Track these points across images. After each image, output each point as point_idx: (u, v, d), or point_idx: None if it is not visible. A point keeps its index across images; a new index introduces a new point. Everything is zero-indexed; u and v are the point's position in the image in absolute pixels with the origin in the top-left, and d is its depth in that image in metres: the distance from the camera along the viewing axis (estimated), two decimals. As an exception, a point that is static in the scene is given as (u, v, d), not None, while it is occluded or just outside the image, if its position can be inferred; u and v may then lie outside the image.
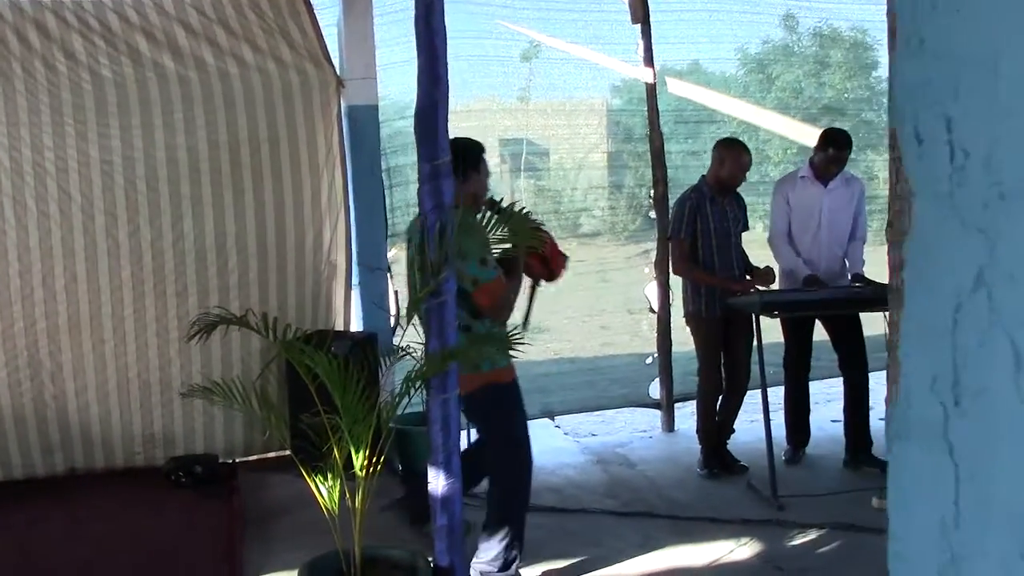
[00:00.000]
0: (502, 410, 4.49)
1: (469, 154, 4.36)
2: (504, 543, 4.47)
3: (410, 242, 4.40)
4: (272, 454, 6.19)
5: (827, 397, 6.90)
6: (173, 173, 5.85)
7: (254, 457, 6.29)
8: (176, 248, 5.93)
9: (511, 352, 4.25)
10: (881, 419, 6.77)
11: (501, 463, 4.60)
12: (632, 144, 7.79)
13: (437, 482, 3.93)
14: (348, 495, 3.80)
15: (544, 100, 7.56)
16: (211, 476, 5.89)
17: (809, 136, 7.80)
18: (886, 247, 1.42)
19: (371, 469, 3.84)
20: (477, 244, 4.13)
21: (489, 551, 4.50)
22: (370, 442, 3.83)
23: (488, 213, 4.38)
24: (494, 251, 4.22)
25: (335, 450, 3.80)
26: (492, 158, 6.29)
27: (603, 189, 8.00)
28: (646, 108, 6.88)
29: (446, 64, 3.72)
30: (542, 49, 7.09)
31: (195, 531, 5.25)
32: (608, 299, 8.09)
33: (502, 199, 4.48)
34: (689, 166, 7.64)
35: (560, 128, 7.75)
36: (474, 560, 4.51)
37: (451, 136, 3.80)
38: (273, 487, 5.82)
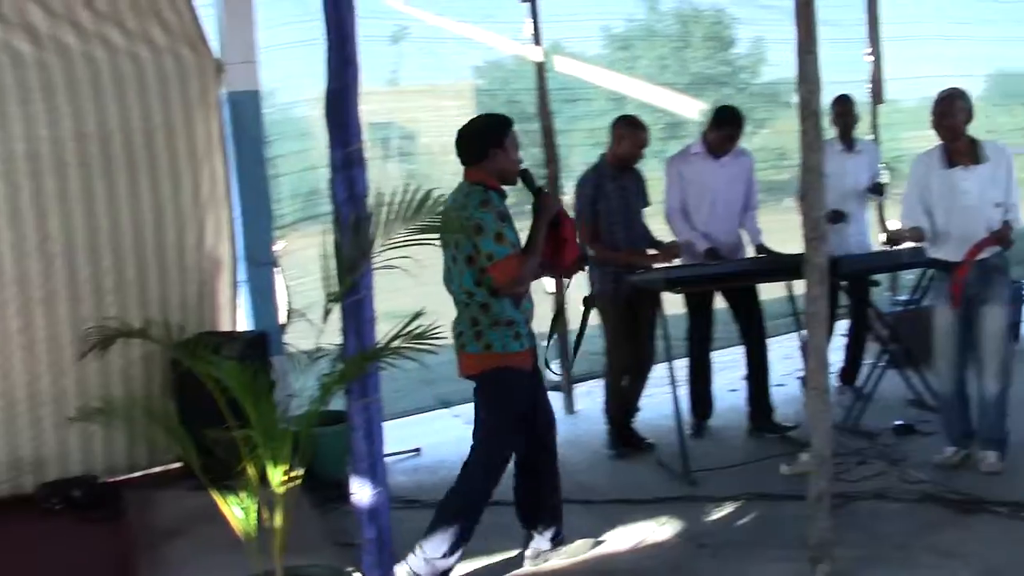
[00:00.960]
0: (503, 399, 4.30)
1: (489, 132, 4.25)
2: (445, 546, 4.26)
3: None
4: (157, 469, 5.74)
5: (719, 367, 6.94)
6: (35, 168, 5.35)
7: (138, 474, 5.80)
8: (42, 251, 5.42)
9: (524, 338, 4.24)
10: (779, 385, 6.94)
11: (475, 460, 4.40)
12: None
13: (361, 493, 3.70)
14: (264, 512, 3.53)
15: (413, 83, 7.38)
16: (92, 500, 5.30)
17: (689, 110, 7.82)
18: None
19: (291, 483, 3.57)
20: (493, 219, 4.07)
21: (428, 550, 4.27)
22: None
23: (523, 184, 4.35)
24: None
25: (250, 465, 3.51)
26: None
27: (473, 171, 7.86)
28: (514, 87, 6.78)
29: (356, 45, 3.47)
30: (411, 31, 6.88)
31: (80, 564, 4.70)
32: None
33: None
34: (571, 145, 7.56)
35: (428, 111, 7.58)
36: (409, 556, 4.27)
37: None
38: (163, 505, 5.33)
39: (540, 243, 4.25)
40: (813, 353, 3.79)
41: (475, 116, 4.43)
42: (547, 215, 4.28)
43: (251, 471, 3.51)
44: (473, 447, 4.41)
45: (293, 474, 3.57)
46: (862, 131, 7.33)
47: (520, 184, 4.38)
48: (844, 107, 6.69)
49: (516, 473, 4.59)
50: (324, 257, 3.60)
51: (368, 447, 3.67)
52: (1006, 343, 5.34)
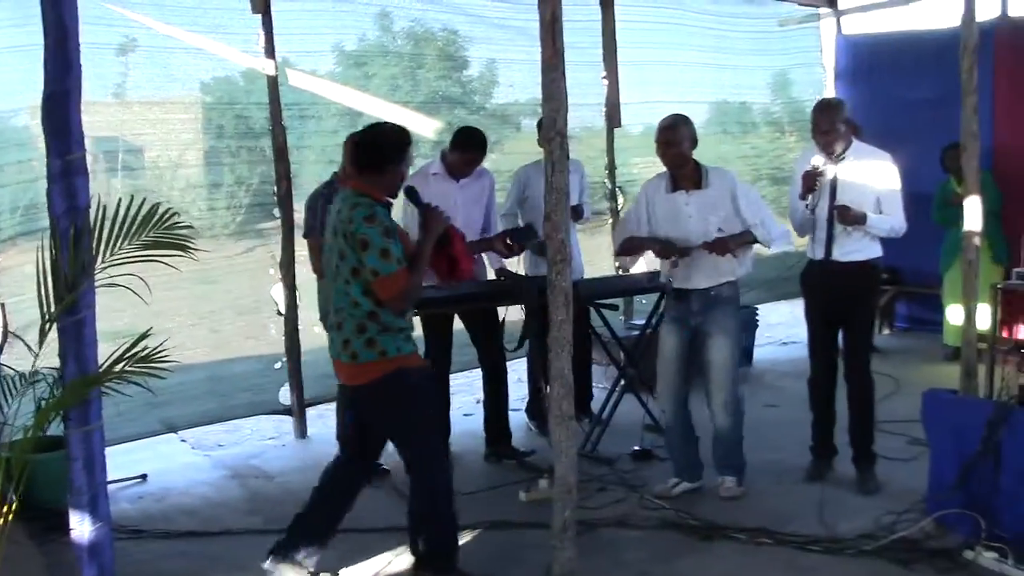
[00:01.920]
0: (411, 398, 4.24)
1: (391, 149, 4.23)
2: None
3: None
4: None
5: (452, 390, 6.93)
6: None
7: None
8: None
9: (412, 342, 4.25)
10: (516, 410, 6.97)
11: (421, 464, 4.35)
12: (226, 141, 7.47)
13: (82, 528, 3.45)
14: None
15: (140, 95, 7.05)
16: None
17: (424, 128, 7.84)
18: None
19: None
20: (379, 235, 4.03)
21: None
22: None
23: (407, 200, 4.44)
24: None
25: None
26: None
27: (202, 188, 7.61)
28: (244, 102, 6.60)
29: (78, 47, 3.25)
30: (139, 41, 6.56)
31: None
32: (215, 301, 7.68)
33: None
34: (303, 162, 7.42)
35: (156, 125, 7.27)
36: None
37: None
38: None
39: (425, 259, 4.28)
40: (557, 379, 3.81)
41: (377, 124, 4.39)
42: (434, 232, 4.30)
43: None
44: (410, 467, 4.38)
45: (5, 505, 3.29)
46: (599, 154, 7.47)
47: (404, 199, 4.48)
48: None
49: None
50: (41, 273, 3.34)
51: (89, 479, 3.43)
52: (733, 375, 5.36)
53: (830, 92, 9.84)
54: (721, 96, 10.17)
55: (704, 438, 5.56)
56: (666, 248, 5.27)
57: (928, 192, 7.89)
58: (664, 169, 5.40)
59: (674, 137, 5.25)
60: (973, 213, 5.09)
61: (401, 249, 4.16)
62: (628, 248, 5.52)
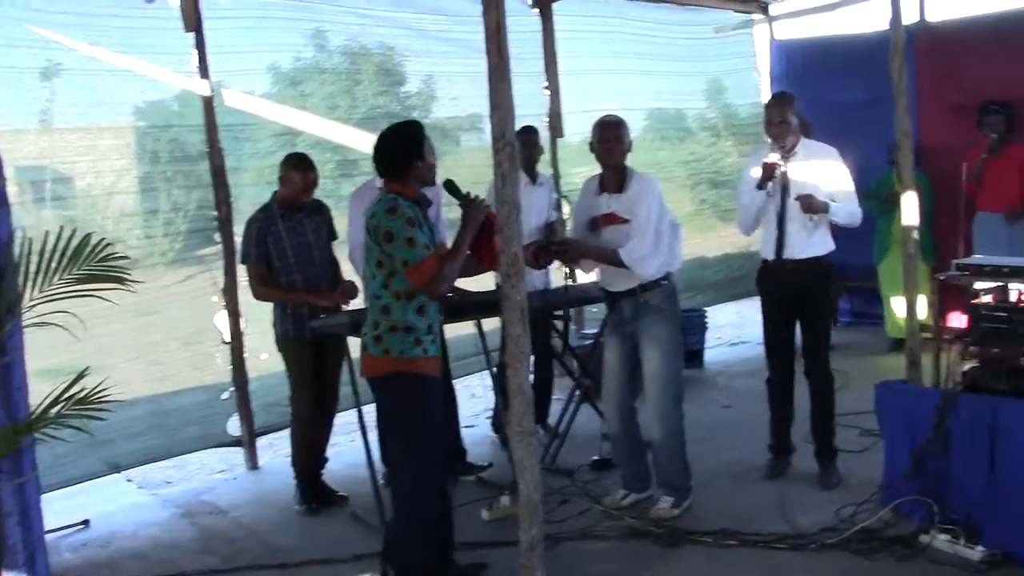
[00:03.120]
0: (405, 405, 4.25)
1: (410, 144, 4.28)
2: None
3: None
4: None
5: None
6: None
7: None
8: None
9: (427, 344, 4.24)
10: (468, 427, 6.85)
11: (399, 487, 4.38)
12: (161, 167, 7.27)
13: (19, 586, 3.22)
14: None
15: (67, 122, 6.81)
16: None
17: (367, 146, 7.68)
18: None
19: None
20: (403, 225, 4.09)
21: None
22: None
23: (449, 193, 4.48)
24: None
25: None
26: (10, 187, 5.45)
27: (137, 216, 7.40)
28: (178, 126, 6.39)
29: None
30: (65, 64, 6.32)
31: None
32: (156, 332, 7.45)
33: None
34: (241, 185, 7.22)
35: (85, 152, 7.04)
36: None
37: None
38: None
39: (464, 247, 4.28)
40: (517, 394, 3.68)
41: (391, 126, 4.41)
42: (475, 221, 4.30)
43: None
44: (391, 472, 4.47)
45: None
46: (542, 165, 7.41)
47: (446, 193, 4.53)
48: (529, 138, 6.65)
49: None
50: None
51: (25, 534, 3.22)
52: (666, 386, 5.21)
53: (766, 96, 9.88)
54: (659, 103, 10.17)
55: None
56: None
57: (862, 190, 7.95)
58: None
59: (621, 133, 5.20)
60: (910, 208, 5.14)
61: (429, 236, 4.22)
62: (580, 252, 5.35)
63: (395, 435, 4.43)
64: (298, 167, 5.67)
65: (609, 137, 5.19)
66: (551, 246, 5.29)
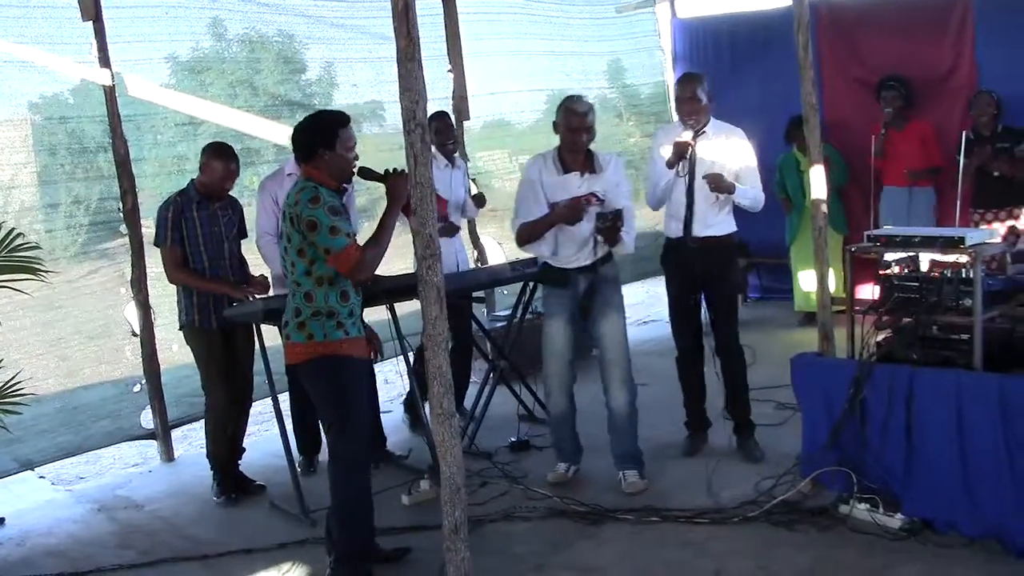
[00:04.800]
0: (331, 386, 4.32)
1: (317, 133, 4.31)
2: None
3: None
4: None
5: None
6: None
7: None
8: None
9: (348, 327, 4.31)
10: (385, 412, 6.85)
11: (334, 467, 4.40)
12: (59, 159, 7.15)
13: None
14: None
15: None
16: None
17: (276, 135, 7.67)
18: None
19: None
20: (325, 214, 4.14)
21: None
22: None
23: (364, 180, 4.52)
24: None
25: None
26: None
27: (37, 210, 7.27)
28: (77, 117, 6.36)
29: None
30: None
31: None
32: (62, 327, 7.33)
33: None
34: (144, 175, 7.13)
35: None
36: None
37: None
38: None
39: (389, 229, 4.32)
40: (436, 376, 3.74)
41: (312, 114, 4.50)
42: (398, 200, 4.30)
43: None
44: (329, 451, 4.45)
45: None
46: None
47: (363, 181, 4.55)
48: (444, 122, 6.71)
49: None
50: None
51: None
52: (627, 350, 5.37)
53: (670, 75, 10.04)
54: (563, 84, 10.22)
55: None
56: (573, 209, 5.18)
57: (769, 166, 8.16)
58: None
59: (593, 121, 5.30)
60: (819, 182, 5.28)
61: (350, 225, 4.28)
62: (531, 234, 5.32)
63: (326, 420, 4.48)
64: (220, 156, 5.65)
65: (581, 126, 5.26)
66: (617, 224, 5.22)
